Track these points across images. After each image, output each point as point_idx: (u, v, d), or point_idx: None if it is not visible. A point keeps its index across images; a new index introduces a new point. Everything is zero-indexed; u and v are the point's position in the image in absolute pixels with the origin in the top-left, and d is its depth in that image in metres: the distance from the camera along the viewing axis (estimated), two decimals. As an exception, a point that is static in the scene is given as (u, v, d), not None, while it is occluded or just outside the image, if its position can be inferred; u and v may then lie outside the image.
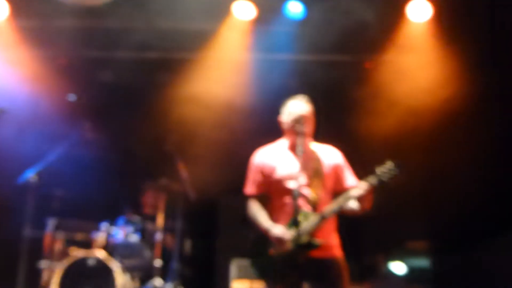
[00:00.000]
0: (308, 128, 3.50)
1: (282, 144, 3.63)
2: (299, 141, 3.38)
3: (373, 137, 5.82)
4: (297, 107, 3.52)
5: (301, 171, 3.34)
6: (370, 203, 3.41)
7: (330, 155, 3.57)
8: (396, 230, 6.04)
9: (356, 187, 3.33)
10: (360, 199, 3.32)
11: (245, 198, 3.57)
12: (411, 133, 5.81)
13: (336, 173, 3.54)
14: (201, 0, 5.57)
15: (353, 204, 3.40)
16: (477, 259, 5.36)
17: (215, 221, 6.30)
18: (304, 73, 5.99)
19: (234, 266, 5.33)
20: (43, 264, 5.17)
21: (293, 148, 3.51)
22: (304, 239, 3.24)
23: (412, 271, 5.94)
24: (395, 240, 6.10)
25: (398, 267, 5.95)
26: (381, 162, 3.33)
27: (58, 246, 5.29)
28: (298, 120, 3.45)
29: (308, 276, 3.31)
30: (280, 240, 3.28)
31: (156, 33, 5.77)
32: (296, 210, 3.20)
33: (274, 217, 3.44)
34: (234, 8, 5.80)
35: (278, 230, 3.31)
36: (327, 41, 5.67)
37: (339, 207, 3.31)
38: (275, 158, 3.54)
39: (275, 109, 3.68)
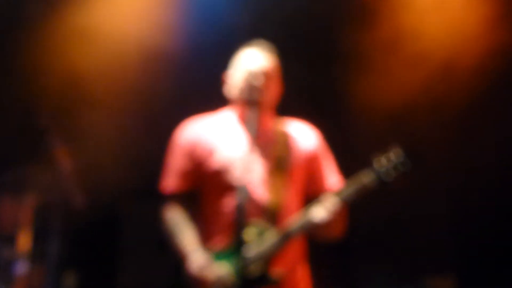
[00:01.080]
0: (269, 93, 3.51)
1: (226, 117, 3.63)
2: (251, 113, 3.39)
3: (373, 110, 5.89)
4: (252, 61, 3.53)
5: (254, 159, 3.35)
6: (342, 228, 3.45)
7: (303, 138, 3.60)
8: (407, 259, 6.15)
9: (319, 205, 3.30)
10: (325, 224, 3.30)
11: (162, 201, 3.54)
12: (434, 104, 5.91)
13: (311, 165, 3.57)
14: None
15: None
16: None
17: (116, 242, 6.29)
18: (268, 6, 5.98)
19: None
20: None
21: (243, 123, 3.52)
22: (255, 270, 3.23)
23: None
24: (407, 274, 6.21)
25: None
26: (383, 148, 3.37)
27: None
28: (253, 81, 3.44)
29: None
30: (200, 282, 3.20)
31: None
32: (241, 221, 3.18)
33: (207, 231, 3.42)
34: None
35: (199, 260, 3.23)
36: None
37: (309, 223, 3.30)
38: (213, 137, 3.53)
39: (220, 62, 3.69)
